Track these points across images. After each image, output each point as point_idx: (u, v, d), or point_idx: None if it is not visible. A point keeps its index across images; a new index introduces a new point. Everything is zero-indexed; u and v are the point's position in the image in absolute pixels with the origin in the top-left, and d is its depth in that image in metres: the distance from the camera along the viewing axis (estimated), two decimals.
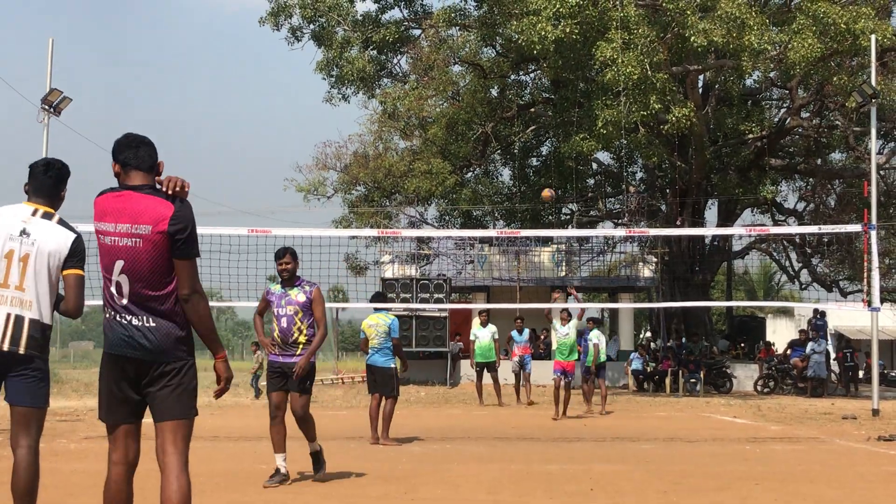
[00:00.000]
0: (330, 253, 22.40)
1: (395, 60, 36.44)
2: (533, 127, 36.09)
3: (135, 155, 5.40)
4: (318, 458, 9.74)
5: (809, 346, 28.89)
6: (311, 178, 37.35)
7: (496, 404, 22.16)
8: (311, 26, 34.65)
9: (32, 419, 5.85)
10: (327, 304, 14.51)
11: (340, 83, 34.67)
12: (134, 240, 5.20)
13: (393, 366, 13.63)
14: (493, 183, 38.58)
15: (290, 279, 9.64)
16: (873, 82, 20.92)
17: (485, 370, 23.30)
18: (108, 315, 5.30)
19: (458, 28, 34.00)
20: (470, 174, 37.48)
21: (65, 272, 5.87)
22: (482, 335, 23.11)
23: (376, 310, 13.87)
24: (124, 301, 5.23)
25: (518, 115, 35.05)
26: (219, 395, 5.54)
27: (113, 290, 5.26)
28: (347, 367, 52.91)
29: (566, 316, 18.67)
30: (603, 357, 20.65)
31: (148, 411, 5.36)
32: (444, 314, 30.45)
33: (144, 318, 5.21)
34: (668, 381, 29.85)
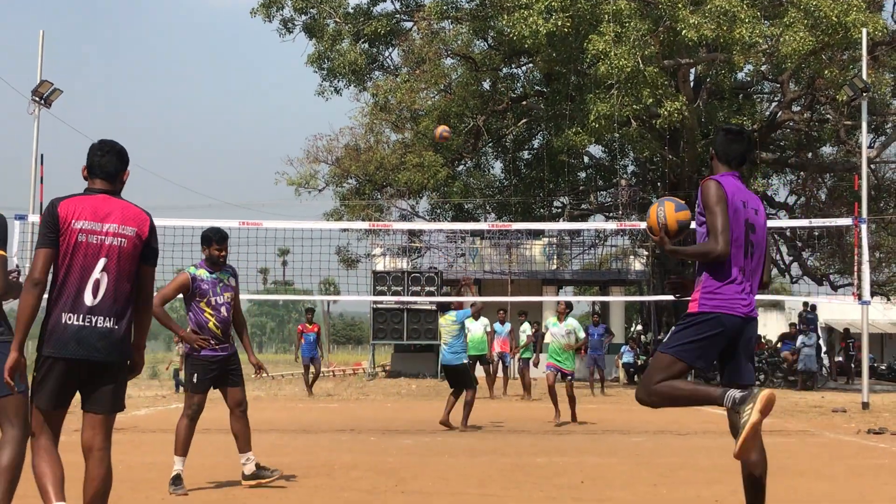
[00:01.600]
0: (321, 246, 22.48)
1: (386, 53, 36.42)
2: (525, 120, 36.09)
3: (99, 162, 5.70)
4: (260, 472, 8.80)
5: (800, 339, 28.95)
6: (303, 171, 37.31)
7: (487, 397, 22.20)
8: (303, 18, 34.60)
9: (18, 410, 5.92)
10: (319, 297, 14.64)
11: (332, 76, 34.63)
12: (120, 240, 5.53)
13: (465, 361, 14.75)
14: (484, 176, 38.59)
15: (223, 263, 8.97)
16: (864, 76, 20.93)
17: (477, 363, 23.27)
18: (65, 319, 5.45)
19: (449, 21, 33.95)
20: (461, 167, 37.46)
21: None
22: (474, 328, 22.99)
23: (447, 309, 14.86)
24: (95, 301, 5.47)
25: (510, 109, 35.05)
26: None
27: (88, 289, 5.46)
28: (338, 360, 52.92)
29: (564, 309, 16.38)
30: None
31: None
32: (434, 307, 30.49)
33: (111, 320, 5.50)
34: None
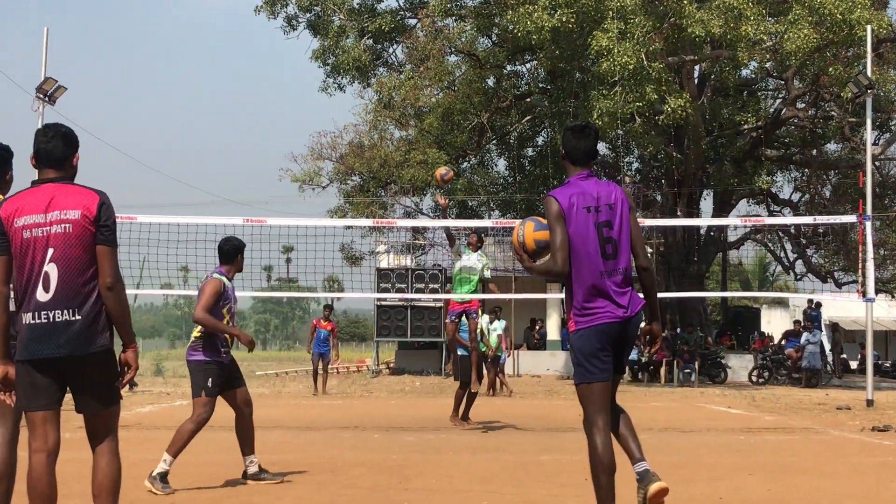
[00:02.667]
0: (325, 243, 22.45)
1: (390, 50, 36.38)
2: (529, 117, 36.07)
3: (45, 148, 5.45)
4: (261, 475, 8.86)
5: (805, 336, 28.92)
6: (307, 167, 37.34)
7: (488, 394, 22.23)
8: (307, 15, 34.60)
9: (4, 410, 5.85)
10: (323, 294, 14.65)
11: (336, 72, 34.62)
12: (65, 226, 5.21)
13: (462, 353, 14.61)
14: (488, 173, 38.56)
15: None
16: (869, 73, 20.90)
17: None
18: (25, 320, 5.25)
19: (454, 18, 33.92)
20: (466, 164, 37.44)
21: None
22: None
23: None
24: (49, 295, 5.21)
25: (514, 106, 35.03)
26: (124, 384, 5.53)
27: (39, 285, 5.22)
28: (342, 357, 52.92)
29: (476, 241, 14.66)
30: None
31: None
32: (439, 304, 30.50)
33: (70, 311, 5.21)
34: (662, 371, 29.89)
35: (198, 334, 8.83)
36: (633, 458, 6.22)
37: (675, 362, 29.56)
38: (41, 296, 5.22)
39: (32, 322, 5.23)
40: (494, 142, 38.02)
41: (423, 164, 32.92)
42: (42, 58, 19.79)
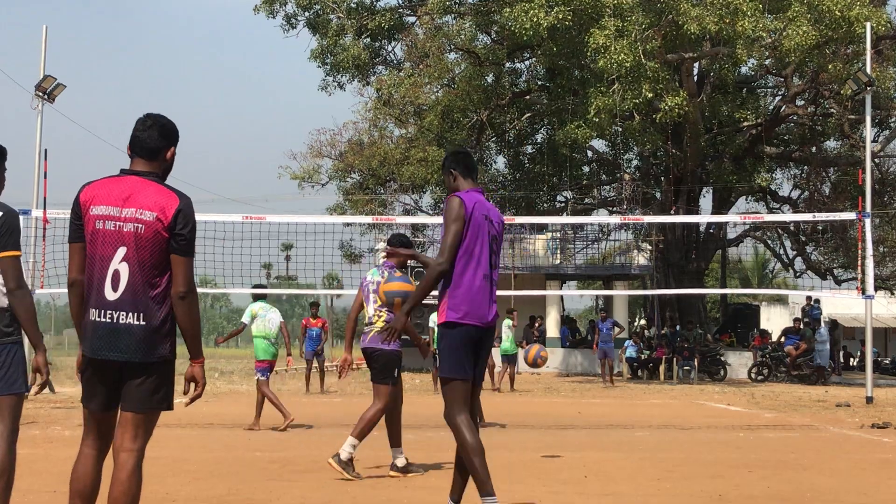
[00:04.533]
0: (325, 240, 22.45)
1: (389, 48, 36.41)
2: (528, 114, 36.07)
3: (139, 137, 5.17)
4: (409, 466, 9.33)
5: (817, 334, 28.97)
6: (306, 165, 37.36)
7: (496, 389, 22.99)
8: (306, 14, 34.60)
9: (2, 406, 5.79)
10: (322, 291, 14.61)
11: (335, 71, 34.63)
12: (138, 225, 4.94)
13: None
14: (487, 171, 38.57)
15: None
16: (868, 70, 20.91)
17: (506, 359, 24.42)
18: (92, 316, 5.02)
19: (452, 15, 33.94)
20: None
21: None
22: (504, 330, 24.15)
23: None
24: (117, 295, 4.95)
25: (513, 103, 35.01)
26: (193, 400, 5.26)
27: (108, 282, 4.96)
28: (342, 355, 52.86)
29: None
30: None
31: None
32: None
33: (134, 315, 4.95)
34: (662, 368, 29.92)
35: (383, 324, 9.21)
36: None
37: (675, 359, 29.58)
38: (109, 294, 4.97)
39: (97, 320, 4.99)
40: (493, 139, 38.03)
41: (422, 161, 32.95)
42: (41, 55, 19.79)
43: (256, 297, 14.54)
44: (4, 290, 5.67)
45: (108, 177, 5.14)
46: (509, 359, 24.05)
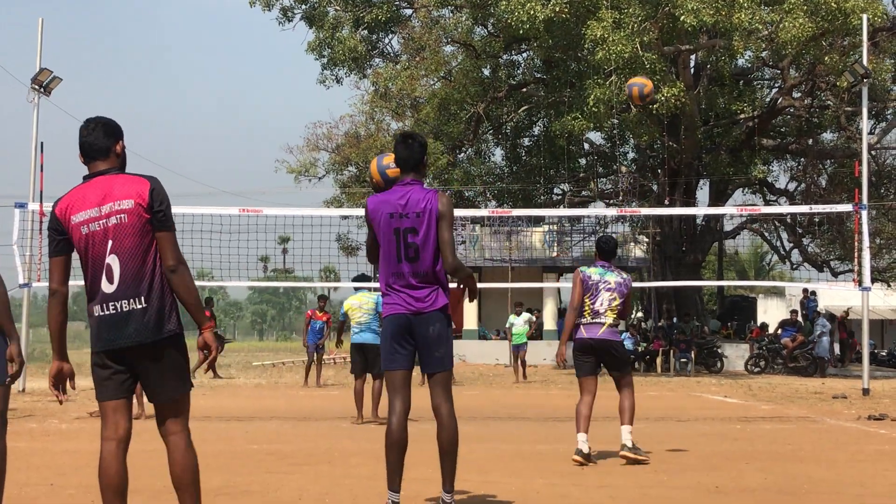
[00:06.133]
0: (322, 233, 22.35)
1: (386, 40, 36.37)
2: (525, 107, 36.04)
3: (87, 141, 5.41)
4: (635, 447, 9.70)
5: (818, 326, 28.99)
6: (303, 159, 37.31)
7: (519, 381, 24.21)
8: (302, 6, 34.56)
9: None
10: (319, 284, 14.65)
11: (332, 64, 34.60)
12: (120, 216, 5.19)
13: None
14: (484, 163, 38.52)
15: None
16: (865, 62, 20.91)
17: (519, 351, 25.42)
18: (94, 312, 5.25)
19: (449, 8, 33.90)
20: (462, 154, 37.42)
21: None
22: (518, 322, 25.13)
23: (357, 290, 14.15)
24: (113, 287, 5.19)
25: (510, 95, 34.98)
26: (211, 364, 5.57)
27: (103, 277, 5.21)
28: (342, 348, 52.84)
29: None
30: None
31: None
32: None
33: (135, 300, 5.18)
34: (659, 360, 29.95)
35: (613, 320, 9.84)
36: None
37: (672, 351, 29.61)
38: (106, 287, 5.20)
39: (102, 314, 5.22)
40: (491, 132, 37.99)
41: None
42: (37, 48, 19.75)
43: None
44: None
45: (76, 186, 5.37)
46: (518, 347, 25.08)
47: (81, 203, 5.27)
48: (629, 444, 9.55)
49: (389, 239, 6.63)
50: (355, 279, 14.94)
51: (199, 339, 5.51)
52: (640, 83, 14.69)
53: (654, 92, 12.27)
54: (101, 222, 5.22)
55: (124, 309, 5.18)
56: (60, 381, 5.41)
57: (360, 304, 13.76)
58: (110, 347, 5.22)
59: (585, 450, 9.42)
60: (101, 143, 5.39)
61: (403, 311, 6.62)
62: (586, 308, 9.78)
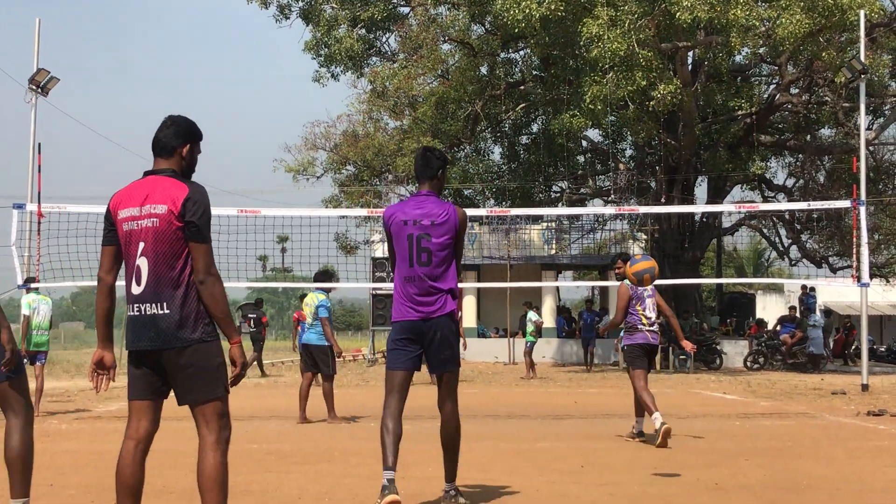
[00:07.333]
0: (320, 232, 22.30)
1: (383, 39, 36.32)
2: (523, 105, 36.01)
3: (156, 137, 5.43)
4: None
5: (811, 321, 29.00)
6: (300, 158, 37.28)
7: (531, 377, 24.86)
8: (299, 4, 34.53)
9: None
10: (316, 284, 14.61)
11: (329, 62, 34.56)
12: (153, 220, 5.18)
13: (328, 343, 13.89)
14: (483, 161, 38.49)
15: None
16: (862, 58, 20.91)
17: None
18: (127, 311, 5.32)
19: (446, 6, 33.86)
20: (460, 153, 37.40)
21: None
22: (534, 319, 26.58)
23: (317, 289, 14.24)
24: (140, 288, 5.20)
25: (508, 93, 34.95)
26: (235, 381, 5.45)
27: (133, 278, 5.24)
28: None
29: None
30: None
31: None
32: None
33: (158, 306, 5.17)
34: (658, 357, 29.92)
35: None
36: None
37: (671, 348, 29.61)
38: (135, 288, 5.22)
39: (130, 314, 5.26)
40: (489, 130, 37.96)
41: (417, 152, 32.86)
42: (34, 49, 19.74)
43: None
44: None
45: (134, 181, 5.40)
46: (528, 346, 25.86)
47: (128, 199, 5.30)
48: (659, 427, 10.53)
49: (403, 244, 6.92)
50: (315, 277, 15.04)
51: (230, 352, 5.40)
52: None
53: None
54: (138, 222, 5.23)
55: (148, 312, 5.19)
56: (101, 368, 5.42)
57: (309, 303, 14.03)
58: (133, 349, 5.28)
59: (659, 426, 10.45)
60: (168, 142, 5.40)
61: (413, 317, 6.91)
62: (640, 315, 11.41)
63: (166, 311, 5.15)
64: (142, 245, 5.19)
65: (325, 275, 15.09)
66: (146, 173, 5.38)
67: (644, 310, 11.35)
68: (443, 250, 6.91)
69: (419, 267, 6.89)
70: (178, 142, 5.39)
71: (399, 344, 6.99)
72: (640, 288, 11.39)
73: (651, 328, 11.33)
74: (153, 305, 5.17)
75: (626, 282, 11.42)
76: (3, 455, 5.99)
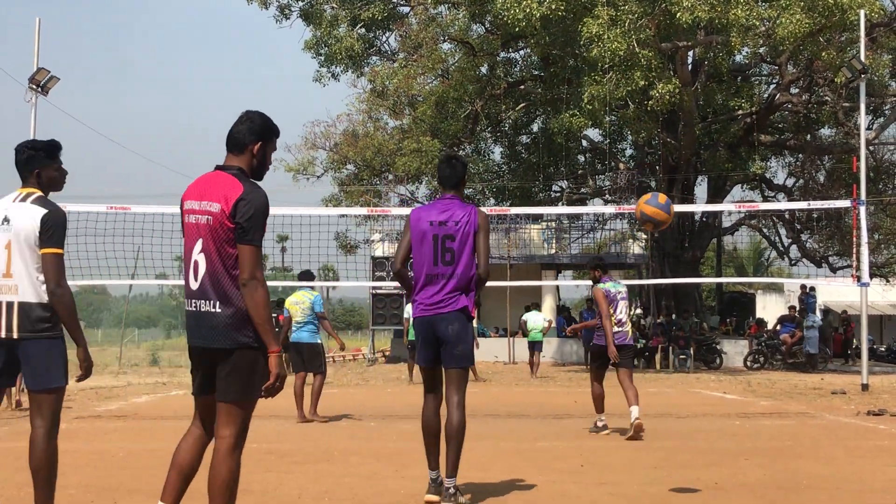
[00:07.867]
0: (320, 232, 22.32)
1: (383, 38, 36.31)
2: (523, 104, 36.00)
3: (229, 131, 5.41)
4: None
5: (807, 320, 28.99)
6: (301, 157, 37.27)
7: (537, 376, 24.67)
8: (300, 4, 34.53)
9: (41, 403, 5.87)
10: (318, 283, 14.67)
11: (329, 62, 34.56)
12: (207, 217, 5.16)
13: (319, 341, 13.97)
14: (483, 161, 38.48)
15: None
16: (862, 57, 20.89)
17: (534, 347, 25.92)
18: (184, 306, 5.34)
19: (446, 5, 33.86)
20: (460, 153, 37.37)
21: (41, 251, 5.74)
22: (535, 319, 25.85)
23: (306, 287, 14.29)
24: (197, 284, 5.20)
25: (508, 93, 34.93)
26: (269, 392, 5.31)
27: (191, 273, 5.23)
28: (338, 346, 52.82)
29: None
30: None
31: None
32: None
33: (211, 303, 5.15)
34: (658, 357, 29.95)
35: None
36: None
37: (671, 348, 29.62)
38: (192, 283, 5.23)
39: (187, 309, 5.28)
40: (489, 129, 37.96)
41: (417, 152, 32.88)
42: (34, 48, 19.72)
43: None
44: (44, 286, 5.77)
45: (203, 174, 5.37)
46: (535, 346, 25.54)
47: (193, 192, 5.29)
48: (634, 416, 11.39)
49: (428, 244, 7.23)
50: (300, 276, 15.08)
51: (268, 362, 5.25)
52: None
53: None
54: (196, 216, 5.22)
55: (201, 309, 5.20)
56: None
57: (299, 301, 13.96)
58: (189, 344, 5.32)
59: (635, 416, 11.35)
60: (240, 138, 5.36)
61: (429, 314, 7.23)
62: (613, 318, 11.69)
63: (217, 310, 5.14)
64: (200, 241, 5.18)
65: (310, 274, 15.23)
66: (216, 168, 5.35)
67: (615, 312, 11.69)
68: (465, 250, 7.22)
69: (443, 266, 7.20)
70: (249, 139, 5.35)
71: (423, 340, 7.32)
72: (612, 290, 11.77)
73: (621, 328, 11.74)
74: (206, 302, 5.17)
75: (601, 285, 11.79)
76: (28, 464, 5.99)
